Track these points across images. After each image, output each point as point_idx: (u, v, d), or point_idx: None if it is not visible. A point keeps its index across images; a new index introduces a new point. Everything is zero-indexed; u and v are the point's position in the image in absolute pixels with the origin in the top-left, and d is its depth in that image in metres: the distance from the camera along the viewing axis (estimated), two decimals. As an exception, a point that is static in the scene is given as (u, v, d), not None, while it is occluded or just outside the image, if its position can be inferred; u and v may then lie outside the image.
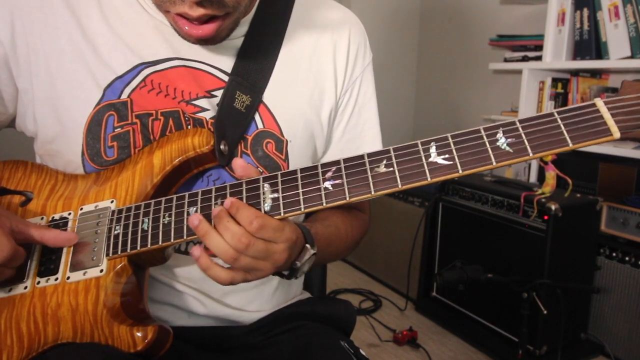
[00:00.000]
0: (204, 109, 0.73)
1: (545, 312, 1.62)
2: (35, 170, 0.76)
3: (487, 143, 0.56)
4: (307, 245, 0.68)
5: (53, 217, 0.70)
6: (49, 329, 0.65)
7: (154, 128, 0.72)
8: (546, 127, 0.55)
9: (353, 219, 0.87)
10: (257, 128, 0.75)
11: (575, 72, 2.25)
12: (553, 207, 1.79)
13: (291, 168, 0.74)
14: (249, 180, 0.62)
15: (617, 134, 0.53)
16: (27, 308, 0.66)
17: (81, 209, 0.70)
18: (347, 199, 0.58)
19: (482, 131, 0.56)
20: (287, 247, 0.62)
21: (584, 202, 1.90)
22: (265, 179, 0.61)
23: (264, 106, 0.75)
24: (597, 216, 1.92)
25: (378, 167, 0.58)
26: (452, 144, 0.57)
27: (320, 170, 0.60)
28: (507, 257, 1.97)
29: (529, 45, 2.44)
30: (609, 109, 0.54)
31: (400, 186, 0.57)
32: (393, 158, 0.58)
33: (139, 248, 0.64)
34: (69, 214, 0.70)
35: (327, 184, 0.59)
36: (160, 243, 0.64)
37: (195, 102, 0.73)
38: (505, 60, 2.53)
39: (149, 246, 0.64)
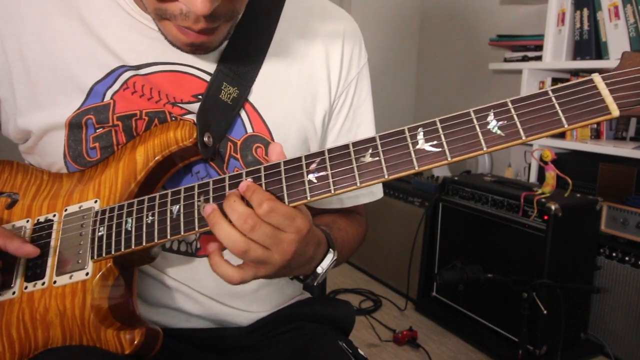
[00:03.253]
0: (190, 112, 0.71)
1: (545, 312, 1.62)
2: (21, 170, 0.75)
3: (477, 127, 0.52)
4: (331, 250, 0.67)
5: (38, 219, 0.69)
6: (38, 333, 0.64)
7: (138, 127, 0.70)
8: (540, 107, 0.51)
9: (355, 223, 0.86)
10: (246, 132, 0.73)
11: (575, 72, 2.25)
12: (553, 207, 1.79)
13: None
14: (232, 175, 0.60)
15: (615, 112, 0.49)
16: (16, 314, 0.65)
17: (66, 210, 0.69)
18: (332, 192, 0.56)
19: (472, 114, 0.53)
20: (296, 238, 0.58)
21: (584, 202, 1.90)
22: (248, 174, 0.59)
23: (251, 108, 0.73)
24: (597, 216, 1.92)
25: (364, 156, 0.56)
26: (440, 129, 0.54)
27: (304, 162, 0.58)
28: (507, 257, 1.97)
29: (529, 45, 2.44)
30: (607, 84, 0.50)
31: (386, 176, 0.55)
32: (379, 147, 0.55)
33: (123, 249, 0.63)
34: (54, 215, 0.69)
35: (312, 177, 0.57)
36: (144, 244, 0.62)
37: (181, 105, 0.71)
38: (505, 60, 2.53)
39: (133, 247, 0.63)
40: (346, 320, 0.87)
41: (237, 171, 0.61)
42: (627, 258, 1.88)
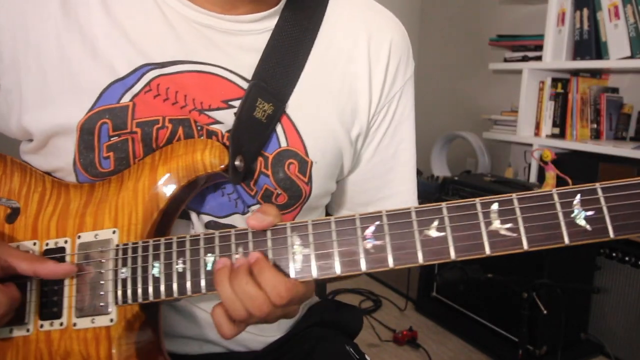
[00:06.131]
0: (218, 122, 0.63)
1: (545, 312, 1.62)
2: (17, 169, 0.64)
3: (560, 215, 0.46)
4: None
5: (47, 243, 0.61)
6: None
7: (159, 137, 0.61)
8: (637, 202, 0.44)
9: None
10: (280, 146, 0.65)
11: (575, 72, 2.25)
12: (553, 207, 1.79)
13: (315, 191, 0.67)
14: (274, 229, 0.54)
15: None
16: (33, 353, 0.60)
17: (79, 236, 0.60)
18: (391, 265, 0.50)
19: (556, 197, 0.47)
20: (300, 307, 0.57)
21: (584, 202, 1.89)
22: (293, 229, 0.53)
23: (288, 120, 0.65)
24: (597, 216, 1.91)
25: (428, 229, 0.49)
26: (517, 210, 0.47)
27: (359, 225, 0.51)
28: (507, 257, 1.96)
29: (529, 45, 2.44)
30: None
31: (454, 257, 0.49)
32: (446, 220, 0.49)
33: (152, 299, 0.57)
34: (66, 242, 0.60)
35: (368, 245, 0.51)
36: (175, 295, 0.56)
37: (209, 113, 0.63)
38: (505, 60, 2.53)
39: (163, 297, 0.56)
40: (354, 327, 0.85)
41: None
42: (627, 258, 1.88)
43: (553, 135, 2.32)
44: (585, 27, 2.13)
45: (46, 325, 0.60)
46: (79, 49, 0.61)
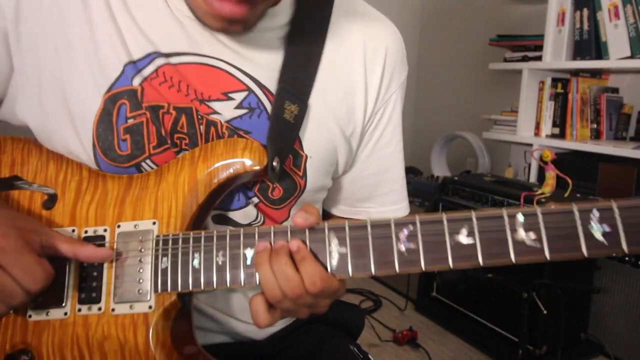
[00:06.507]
0: (217, 112, 0.66)
1: (545, 312, 1.62)
2: (52, 158, 0.65)
3: (579, 227, 0.51)
4: None
5: (86, 230, 0.62)
6: (95, 359, 0.61)
7: (165, 122, 0.65)
8: None
9: None
10: None
11: (575, 72, 2.25)
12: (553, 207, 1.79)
13: (309, 185, 0.70)
14: (313, 229, 0.58)
15: None
16: (69, 335, 0.61)
17: (118, 226, 0.62)
18: (423, 268, 0.53)
19: (576, 212, 0.51)
20: (332, 302, 0.60)
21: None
22: (330, 229, 0.57)
23: None
24: (597, 216, 1.91)
25: (458, 234, 0.53)
26: (541, 223, 0.52)
27: (393, 229, 0.55)
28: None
29: (529, 45, 2.44)
30: None
31: (482, 263, 0.52)
32: (475, 226, 0.53)
33: (191, 288, 0.59)
34: (105, 230, 0.62)
35: (402, 247, 0.54)
36: (215, 287, 0.58)
37: (209, 104, 0.66)
38: (505, 60, 2.53)
39: (202, 288, 0.59)
40: (356, 325, 0.87)
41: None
42: (627, 258, 1.88)
43: (553, 135, 2.32)
44: (585, 27, 2.13)
45: (84, 309, 0.61)
46: (101, 30, 0.64)
